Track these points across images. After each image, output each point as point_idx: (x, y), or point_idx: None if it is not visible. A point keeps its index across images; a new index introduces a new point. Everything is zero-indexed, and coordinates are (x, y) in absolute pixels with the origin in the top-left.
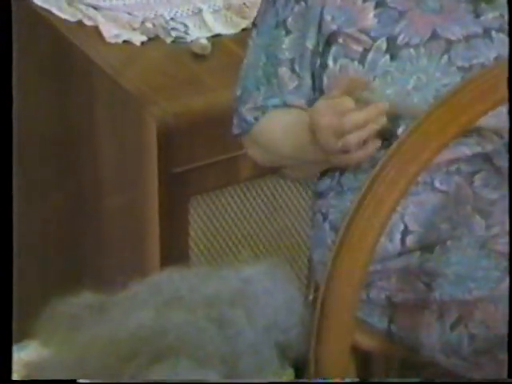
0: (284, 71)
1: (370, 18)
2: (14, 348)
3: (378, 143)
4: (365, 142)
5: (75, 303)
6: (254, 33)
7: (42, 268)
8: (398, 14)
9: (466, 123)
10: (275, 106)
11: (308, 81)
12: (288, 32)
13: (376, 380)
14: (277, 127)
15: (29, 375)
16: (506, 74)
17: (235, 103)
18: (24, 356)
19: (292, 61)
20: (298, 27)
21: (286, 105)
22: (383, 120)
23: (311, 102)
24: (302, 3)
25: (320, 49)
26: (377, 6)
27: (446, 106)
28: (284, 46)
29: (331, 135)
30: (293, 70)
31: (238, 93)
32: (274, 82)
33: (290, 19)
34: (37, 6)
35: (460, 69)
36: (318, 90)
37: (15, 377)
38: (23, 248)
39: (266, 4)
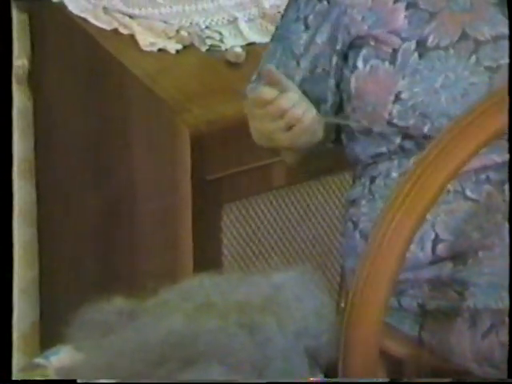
0: (293, 64)
1: (400, 19)
2: (48, 353)
3: (303, 126)
4: (290, 128)
5: (107, 309)
6: (277, 25)
7: (75, 273)
8: (428, 15)
9: (495, 131)
10: None
11: (306, 73)
12: (307, 28)
13: (376, 380)
14: None
15: (62, 373)
16: None
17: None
18: (56, 361)
19: (303, 55)
20: (316, 25)
21: None
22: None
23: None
24: (325, 2)
25: (343, 48)
26: (408, 7)
27: (474, 113)
28: (301, 42)
29: (257, 122)
30: (297, 65)
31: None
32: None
33: (311, 17)
34: (73, 14)
35: (487, 68)
36: (344, 91)
37: None
38: (57, 253)
39: (290, 0)
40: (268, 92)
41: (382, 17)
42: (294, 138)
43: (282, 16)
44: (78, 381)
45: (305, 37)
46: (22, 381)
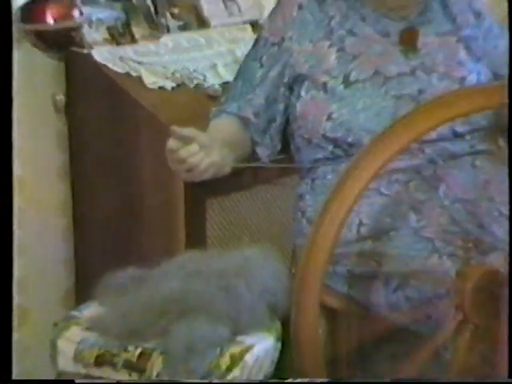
0: (251, 93)
1: (332, 60)
2: (81, 307)
3: (199, 170)
4: (189, 170)
5: (123, 276)
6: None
7: (101, 250)
8: (352, 57)
9: (402, 147)
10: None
11: (262, 101)
12: (260, 65)
13: (375, 380)
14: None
15: (90, 327)
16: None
17: None
18: (87, 313)
19: (258, 86)
20: (267, 64)
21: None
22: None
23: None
24: (274, 48)
25: (289, 81)
26: (337, 51)
27: (387, 133)
28: (257, 76)
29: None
30: (254, 92)
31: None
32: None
33: (264, 57)
34: (98, 62)
35: (393, 97)
36: (291, 114)
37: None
38: (87, 236)
39: (253, 43)
40: (172, 144)
41: (318, 59)
42: (193, 177)
43: (244, 58)
44: (77, 381)
45: (260, 72)
46: (22, 381)
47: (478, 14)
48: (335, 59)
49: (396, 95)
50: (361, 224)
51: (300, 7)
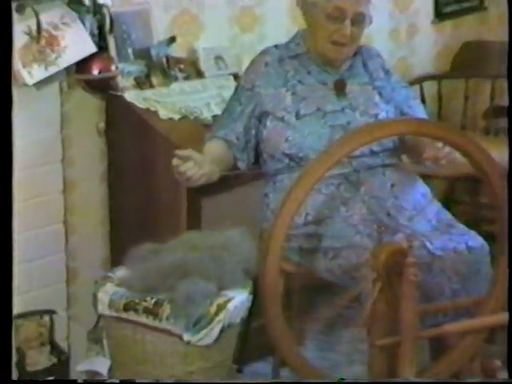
0: (233, 123)
1: (288, 101)
2: (114, 270)
3: (193, 180)
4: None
5: (143, 249)
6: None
7: (127, 231)
8: (301, 98)
9: (338, 160)
10: (217, 137)
11: (241, 129)
12: (239, 104)
13: (373, 380)
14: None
15: (120, 284)
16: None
17: None
18: (118, 274)
19: (238, 118)
20: (244, 103)
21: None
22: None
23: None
24: (249, 92)
25: (258, 115)
26: (292, 94)
27: (328, 150)
28: (237, 111)
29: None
30: (235, 123)
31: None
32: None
33: (242, 98)
34: (128, 101)
35: (330, 126)
36: (260, 138)
37: (112, 285)
38: (119, 221)
39: (234, 89)
40: (175, 162)
41: (278, 100)
42: (190, 184)
43: (228, 99)
44: (79, 381)
45: (239, 109)
46: (22, 381)
47: (387, 72)
48: (290, 100)
49: (331, 125)
50: (307, 214)
51: (266, 65)
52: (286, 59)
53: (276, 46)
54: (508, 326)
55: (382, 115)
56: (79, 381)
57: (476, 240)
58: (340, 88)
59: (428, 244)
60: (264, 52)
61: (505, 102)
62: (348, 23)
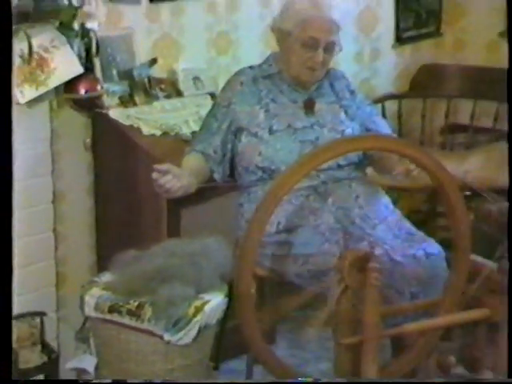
0: (210, 138)
1: (261, 118)
2: (99, 275)
3: (172, 191)
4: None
5: (127, 255)
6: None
7: (113, 239)
8: (273, 115)
9: (306, 173)
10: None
11: (218, 143)
12: (215, 120)
13: (372, 380)
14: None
15: (105, 288)
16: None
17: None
18: (103, 279)
19: (215, 133)
20: (220, 119)
21: (202, 151)
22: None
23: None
24: (225, 109)
25: (234, 130)
26: (265, 111)
27: (297, 164)
28: (214, 126)
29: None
30: (213, 138)
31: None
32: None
33: (218, 115)
34: (112, 118)
35: (299, 141)
36: (236, 151)
37: (98, 289)
38: (105, 230)
39: (211, 106)
40: (155, 175)
41: (252, 117)
42: (169, 195)
43: (206, 116)
44: (80, 382)
45: (216, 125)
46: (22, 381)
47: (352, 92)
48: (263, 117)
49: (301, 140)
50: (279, 223)
51: (241, 84)
52: (260, 79)
53: (250, 67)
54: (508, 326)
55: (348, 131)
56: (80, 381)
57: (433, 247)
58: (309, 106)
59: (390, 250)
60: (239, 72)
61: (459, 119)
62: (321, 51)
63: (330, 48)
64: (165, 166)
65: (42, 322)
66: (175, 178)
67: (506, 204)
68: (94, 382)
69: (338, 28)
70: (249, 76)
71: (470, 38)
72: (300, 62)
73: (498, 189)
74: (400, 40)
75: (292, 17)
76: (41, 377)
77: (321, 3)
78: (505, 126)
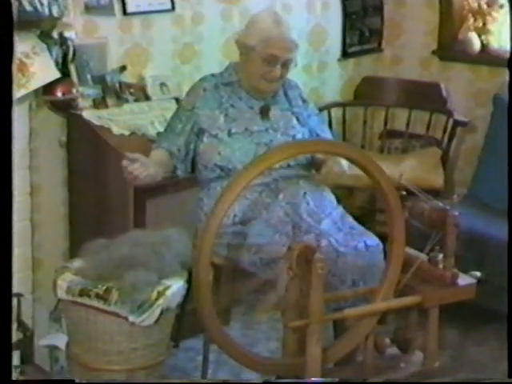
0: (175, 138)
1: (221, 121)
2: (71, 261)
3: (140, 179)
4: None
5: (96, 243)
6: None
7: (84, 228)
8: (232, 119)
9: (260, 171)
10: (162, 148)
11: (182, 143)
12: (180, 122)
13: (375, 380)
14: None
15: (76, 273)
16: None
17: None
18: (75, 264)
19: (180, 134)
20: (184, 121)
21: (167, 149)
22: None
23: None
24: (189, 112)
25: (196, 132)
26: (225, 115)
27: (253, 162)
28: (179, 127)
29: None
30: (177, 138)
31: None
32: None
33: (182, 117)
34: (86, 119)
35: (255, 143)
36: (197, 151)
37: (70, 274)
38: (77, 220)
39: (176, 109)
40: (125, 162)
41: (213, 120)
42: (136, 182)
43: (170, 118)
44: (77, 380)
45: (179, 126)
46: (22, 381)
47: (304, 101)
48: (223, 121)
49: (257, 142)
50: (235, 215)
51: (204, 90)
52: (221, 86)
53: (212, 75)
54: (508, 325)
55: (299, 136)
56: (77, 381)
57: (372, 239)
58: (265, 112)
59: (334, 242)
60: (203, 79)
61: (395, 126)
62: (279, 67)
63: (287, 64)
64: (134, 155)
65: (18, 303)
66: (143, 167)
67: (436, 202)
68: (95, 382)
69: (296, 46)
70: (211, 83)
71: (406, 55)
72: (259, 74)
73: (429, 189)
74: (345, 54)
75: (256, 34)
76: (17, 352)
77: (282, 23)
78: (436, 133)
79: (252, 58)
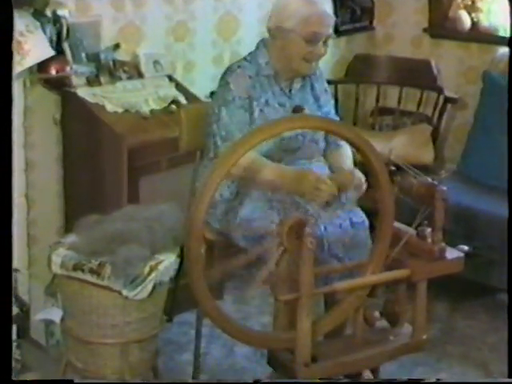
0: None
1: (256, 115)
2: (65, 236)
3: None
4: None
5: (89, 219)
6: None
7: (78, 205)
8: (266, 117)
9: (252, 146)
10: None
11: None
12: (245, 111)
13: (376, 380)
14: None
15: (70, 248)
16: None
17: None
18: (68, 239)
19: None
20: (249, 109)
21: None
22: None
23: None
24: (247, 100)
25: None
26: (260, 111)
27: (246, 138)
28: (246, 116)
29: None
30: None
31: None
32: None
33: (245, 106)
34: (80, 96)
35: (283, 150)
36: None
37: (64, 249)
38: (72, 197)
39: (228, 100)
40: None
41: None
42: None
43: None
44: (76, 380)
45: (247, 114)
46: (21, 381)
47: (325, 90)
48: (257, 115)
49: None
50: (222, 195)
51: (250, 77)
52: (261, 77)
53: (246, 60)
54: (508, 325)
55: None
56: (76, 381)
57: (358, 216)
58: (297, 112)
59: (319, 221)
60: (242, 66)
61: (387, 103)
62: (321, 44)
63: (327, 40)
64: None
65: (15, 278)
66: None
67: (425, 178)
68: (94, 382)
69: (333, 20)
70: (252, 71)
71: (397, 33)
72: (301, 56)
73: (420, 164)
74: (337, 32)
75: (292, 15)
76: (13, 327)
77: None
78: (426, 110)
79: (292, 40)
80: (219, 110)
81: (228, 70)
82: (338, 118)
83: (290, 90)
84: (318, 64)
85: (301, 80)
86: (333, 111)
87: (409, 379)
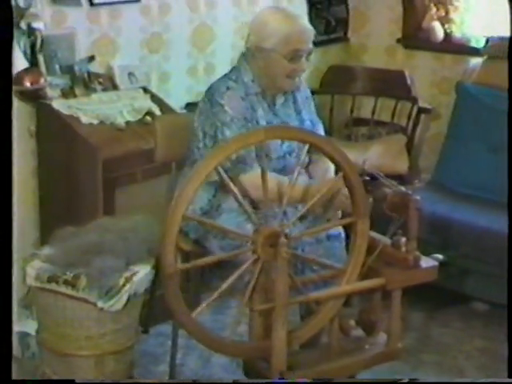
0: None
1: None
2: (40, 248)
3: None
4: None
5: (65, 231)
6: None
7: (53, 218)
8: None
9: (223, 158)
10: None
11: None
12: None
13: (376, 380)
14: None
15: (45, 260)
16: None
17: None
18: (44, 252)
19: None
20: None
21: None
22: None
23: None
24: (243, 121)
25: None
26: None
27: (216, 150)
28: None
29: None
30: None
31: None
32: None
33: (240, 128)
34: (55, 108)
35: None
36: None
37: (39, 261)
38: (47, 210)
39: (224, 121)
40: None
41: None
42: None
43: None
44: (77, 381)
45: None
46: (22, 380)
47: (307, 98)
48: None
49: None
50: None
51: (242, 99)
52: (250, 96)
53: (230, 79)
54: (508, 325)
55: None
56: (77, 381)
57: (335, 229)
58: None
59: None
60: (231, 88)
61: (361, 114)
62: (303, 60)
63: (309, 55)
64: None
65: None
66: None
67: (399, 187)
68: (94, 382)
69: (313, 34)
70: (241, 92)
71: (372, 44)
72: (285, 74)
73: (395, 174)
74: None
75: (272, 35)
76: None
77: (293, 16)
78: (401, 120)
79: (274, 59)
80: (221, 131)
81: (215, 91)
82: (320, 125)
83: (275, 105)
84: (301, 77)
85: (283, 94)
86: (315, 118)
87: (410, 379)
